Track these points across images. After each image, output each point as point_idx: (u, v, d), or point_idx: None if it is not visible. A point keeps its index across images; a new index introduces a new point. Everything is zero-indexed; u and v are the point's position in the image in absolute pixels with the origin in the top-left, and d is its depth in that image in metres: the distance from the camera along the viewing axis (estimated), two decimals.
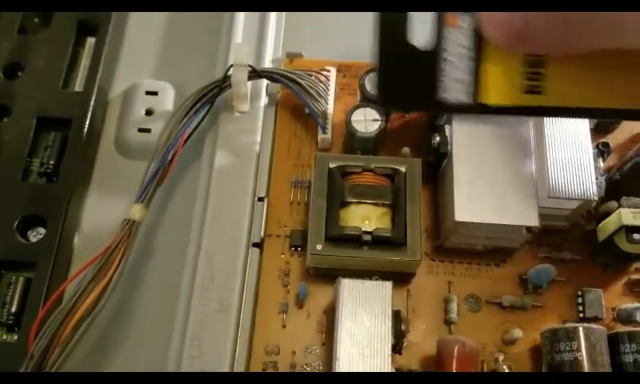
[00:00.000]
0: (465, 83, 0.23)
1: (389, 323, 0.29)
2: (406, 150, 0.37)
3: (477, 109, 0.24)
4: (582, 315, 0.34)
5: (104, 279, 0.29)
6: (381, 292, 0.30)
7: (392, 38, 0.24)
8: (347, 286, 0.30)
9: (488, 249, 0.35)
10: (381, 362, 0.28)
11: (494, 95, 0.23)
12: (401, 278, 0.34)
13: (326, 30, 0.44)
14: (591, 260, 0.35)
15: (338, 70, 0.40)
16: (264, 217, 0.35)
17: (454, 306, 0.34)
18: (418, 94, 0.24)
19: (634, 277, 0.35)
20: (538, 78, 0.22)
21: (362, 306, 0.30)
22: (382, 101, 0.25)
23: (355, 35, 0.43)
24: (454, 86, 0.23)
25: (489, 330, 0.34)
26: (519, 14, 0.20)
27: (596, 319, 0.34)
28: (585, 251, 0.36)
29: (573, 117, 0.25)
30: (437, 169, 0.36)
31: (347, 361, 0.28)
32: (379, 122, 0.34)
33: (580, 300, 0.34)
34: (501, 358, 0.33)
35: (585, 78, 0.22)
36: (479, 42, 0.23)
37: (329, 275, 0.33)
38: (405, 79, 0.24)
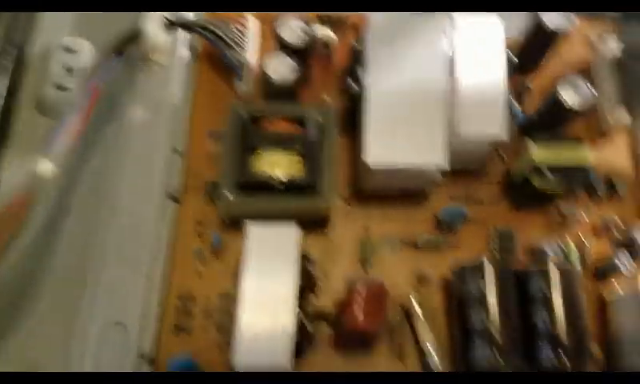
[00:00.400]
0: None
1: (295, 267, 0.30)
2: (327, 97, 0.37)
3: None
4: (495, 254, 0.35)
5: (6, 235, 0.29)
6: (288, 236, 0.30)
7: None
8: (254, 231, 0.30)
9: (404, 191, 0.35)
10: (286, 307, 0.29)
11: None
12: (317, 224, 0.35)
13: None
14: (507, 200, 0.36)
15: (263, 21, 0.39)
16: (181, 169, 0.35)
17: (369, 249, 0.35)
18: None
19: (550, 215, 0.36)
20: None
21: (269, 251, 0.30)
22: None
23: None
24: None
25: (403, 269, 0.34)
26: None
27: (511, 258, 0.35)
28: (501, 191, 0.36)
29: None
30: (355, 114, 0.36)
31: (251, 305, 0.29)
32: (294, 70, 0.34)
33: (494, 239, 0.35)
34: (413, 295, 0.34)
35: None
36: None
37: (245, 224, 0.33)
38: None
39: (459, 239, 0.35)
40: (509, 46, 0.38)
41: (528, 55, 0.38)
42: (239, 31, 0.37)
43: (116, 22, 0.40)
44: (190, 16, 0.39)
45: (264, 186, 0.32)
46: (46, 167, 0.31)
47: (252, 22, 0.38)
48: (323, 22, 0.40)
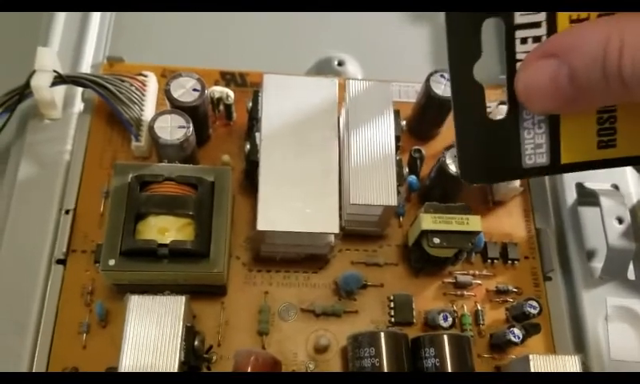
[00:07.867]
0: (542, 147, 0.23)
1: (178, 341, 0.28)
2: (226, 157, 0.37)
3: (557, 169, 0.24)
4: (392, 320, 0.34)
5: None
6: (173, 307, 0.29)
7: (468, 113, 0.23)
8: (135, 302, 0.29)
9: (303, 256, 0.34)
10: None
11: (571, 154, 0.23)
12: (215, 291, 0.33)
13: (155, 34, 0.42)
14: (406, 265, 0.36)
15: (163, 75, 0.38)
16: (68, 231, 0.33)
17: (267, 317, 0.33)
18: (499, 165, 0.24)
19: (447, 280, 0.36)
20: (610, 133, 0.23)
21: (150, 323, 0.28)
22: (464, 176, 0.24)
23: (185, 40, 0.43)
24: (532, 151, 0.23)
25: (301, 338, 0.33)
26: (562, 77, 0.20)
27: (407, 324, 0.34)
28: (399, 256, 0.36)
29: None
30: (255, 176, 0.35)
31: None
32: (185, 129, 0.33)
33: (391, 304, 0.34)
34: (311, 366, 0.33)
35: None
36: None
37: (135, 292, 0.31)
38: (485, 152, 0.24)
39: (358, 304, 0.34)
40: (407, 111, 0.38)
41: (422, 122, 0.38)
42: (135, 87, 0.36)
43: (7, 77, 0.38)
44: (84, 69, 0.37)
45: (148, 252, 0.30)
46: None
47: (152, 80, 0.37)
48: (226, 80, 0.39)
